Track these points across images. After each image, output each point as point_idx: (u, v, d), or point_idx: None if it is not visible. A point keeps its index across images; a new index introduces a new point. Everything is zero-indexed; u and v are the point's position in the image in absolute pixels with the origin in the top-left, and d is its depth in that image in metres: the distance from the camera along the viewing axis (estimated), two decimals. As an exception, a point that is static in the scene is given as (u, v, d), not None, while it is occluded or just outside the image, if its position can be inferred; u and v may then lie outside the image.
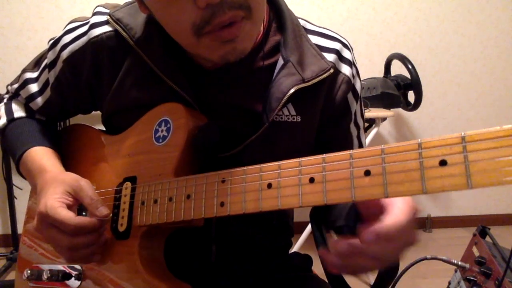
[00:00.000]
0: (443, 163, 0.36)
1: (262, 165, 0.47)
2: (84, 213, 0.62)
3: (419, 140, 0.37)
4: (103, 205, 0.58)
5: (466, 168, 0.35)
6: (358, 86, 0.70)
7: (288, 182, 0.44)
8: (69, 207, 0.58)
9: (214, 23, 0.50)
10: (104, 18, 0.66)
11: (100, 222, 0.57)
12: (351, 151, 0.41)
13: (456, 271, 1.36)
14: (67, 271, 0.65)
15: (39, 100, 0.75)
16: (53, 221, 0.55)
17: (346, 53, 0.68)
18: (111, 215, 0.58)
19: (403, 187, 0.38)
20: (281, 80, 0.62)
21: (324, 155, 0.43)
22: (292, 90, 0.61)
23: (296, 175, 0.44)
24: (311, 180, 0.43)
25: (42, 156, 0.68)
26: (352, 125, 0.71)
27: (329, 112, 0.67)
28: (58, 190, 0.58)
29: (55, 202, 0.56)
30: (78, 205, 0.60)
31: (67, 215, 0.55)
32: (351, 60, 0.69)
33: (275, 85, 0.62)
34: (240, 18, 0.52)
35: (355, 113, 0.71)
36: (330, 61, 0.65)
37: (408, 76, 2.22)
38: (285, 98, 0.61)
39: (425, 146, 0.37)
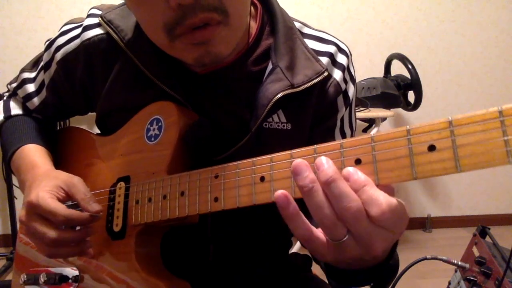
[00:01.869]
0: (431, 148, 0.36)
1: (254, 158, 0.47)
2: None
3: (408, 126, 0.37)
4: (95, 201, 0.58)
5: (454, 151, 0.35)
6: (351, 92, 0.67)
7: (281, 175, 0.44)
8: (60, 201, 0.57)
9: (185, 24, 0.49)
10: (96, 20, 0.66)
11: (90, 218, 0.56)
12: (341, 141, 0.41)
13: (456, 271, 1.35)
14: (64, 274, 0.65)
15: (36, 100, 0.75)
16: (43, 211, 0.54)
17: (340, 58, 0.66)
18: (101, 213, 0.57)
19: (394, 174, 0.38)
20: (268, 86, 0.60)
21: (315, 146, 0.42)
22: (278, 96, 0.59)
23: (288, 167, 0.44)
24: None
25: (34, 154, 0.68)
26: (337, 131, 0.68)
27: (318, 117, 0.65)
28: (51, 183, 0.58)
29: (46, 193, 0.56)
30: (69, 202, 0.60)
31: (58, 206, 0.55)
32: (345, 66, 0.66)
33: (261, 91, 0.60)
34: (215, 22, 0.51)
35: (342, 119, 0.67)
36: (325, 64, 0.63)
37: (408, 76, 2.22)
38: (270, 105, 0.59)
39: (413, 132, 0.37)
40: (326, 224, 0.38)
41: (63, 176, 0.60)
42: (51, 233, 0.55)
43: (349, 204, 0.37)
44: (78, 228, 0.58)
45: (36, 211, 0.55)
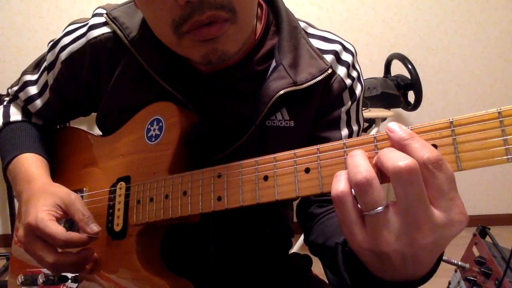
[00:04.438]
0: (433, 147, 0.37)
1: (257, 158, 0.47)
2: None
3: (410, 127, 0.38)
4: (94, 222, 0.57)
5: (455, 151, 0.36)
6: (358, 91, 0.67)
7: (284, 173, 0.45)
8: (57, 220, 0.57)
9: (192, 21, 0.49)
10: (102, 19, 0.66)
11: (88, 239, 0.56)
12: (344, 141, 0.41)
13: (456, 271, 1.36)
14: (63, 274, 0.65)
15: (38, 102, 0.75)
16: (42, 234, 0.54)
17: (345, 56, 0.66)
18: (100, 233, 0.57)
19: None
20: (270, 83, 0.60)
21: (318, 146, 0.43)
22: (280, 93, 0.59)
23: (291, 165, 0.44)
24: (307, 170, 0.43)
25: (30, 164, 0.68)
26: (343, 124, 0.67)
27: (321, 112, 0.66)
28: (48, 202, 0.57)
29: (45, 215, 0.55)
30: (66, 219, 0.59)
31: (58, 229, 0.54)
32: (350, 63, 0.66)
33: (264, 89, 0.61)
34: (222, 20, 0.51)
35: (348, 112, 0.67)
36: (329, 62, 0.63)
37: (408, 76, 2.22)
38: (271, 102, 0.59)
39: (415, 132, 0.38)
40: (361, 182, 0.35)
41: (60, 193, 0.59)
42: (50, 257, 0.55)
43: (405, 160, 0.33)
44: (77, 250, 0.58)
45: (35, 233, 0.55)
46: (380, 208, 0.35)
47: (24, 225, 0.56)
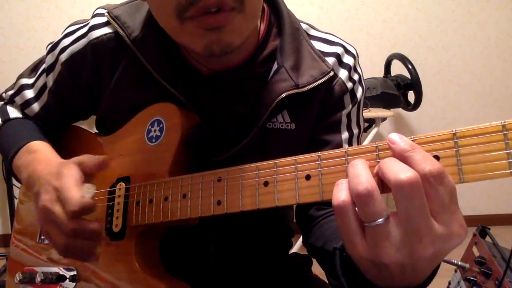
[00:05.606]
0: (435, 158, 0.36)
1: (258, 163, 0.47)
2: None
3: (412, 137, 0.38)
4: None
5: (458, 162, 0.36)
6: (359, 94, 0.67)
7: (285, 180, 0.45)
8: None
9: (199, 5, 0.48)
10: (104, 19, 0.66)
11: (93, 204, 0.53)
12: (346, 149, 0.41)
13: (456, 271, 1.35)
14: (61, 273, 0.65)
15: (35, 106, 0.73)
16: (61, 195, 0.52)
17: (346, 58, 0.66)
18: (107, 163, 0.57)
19: None
20: (272, 86, 0.60)
21: (319, 153, 0.43)
22: (282, 96, 0.59)
23: (292, 172, 0.44)
24: (307, 177, 0.43)
25: (42, 148, 0.66)
26: (343, 127, 0.67)
27: (322, 114, 0.65)
28: (71, 165, 0.56)
29: (72, 180, 0.54)
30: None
31: (76, 195, 0.52)
32: (351, 65, 0.66)
33: (265, 91, 0.61)
34: (229, 8, 0.49)
35: (349, 115, 0.67)
36: (331, 64, 0.63)
37: (408, 76, 2.22)
38: (273, 104, 0.59)
39: (418, 142, 0.38)
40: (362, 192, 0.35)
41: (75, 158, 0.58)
42: (62, 238, 0.53)
43: (407, 173, 0.33)
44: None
45: (58, 195, 0.53)
46: (380, 219, 0.35)
47: (53, 186, 0.54)
